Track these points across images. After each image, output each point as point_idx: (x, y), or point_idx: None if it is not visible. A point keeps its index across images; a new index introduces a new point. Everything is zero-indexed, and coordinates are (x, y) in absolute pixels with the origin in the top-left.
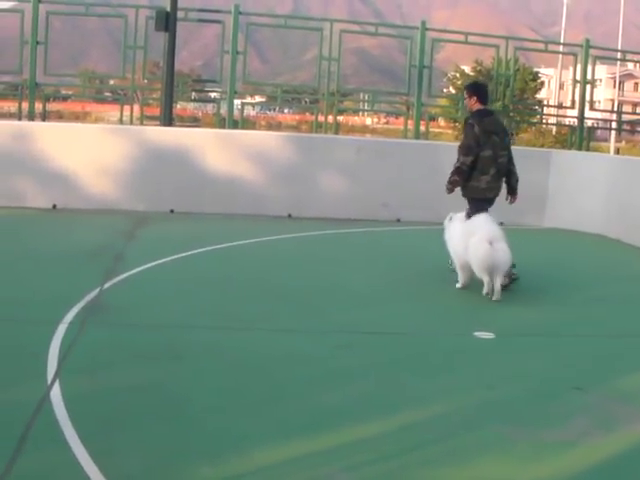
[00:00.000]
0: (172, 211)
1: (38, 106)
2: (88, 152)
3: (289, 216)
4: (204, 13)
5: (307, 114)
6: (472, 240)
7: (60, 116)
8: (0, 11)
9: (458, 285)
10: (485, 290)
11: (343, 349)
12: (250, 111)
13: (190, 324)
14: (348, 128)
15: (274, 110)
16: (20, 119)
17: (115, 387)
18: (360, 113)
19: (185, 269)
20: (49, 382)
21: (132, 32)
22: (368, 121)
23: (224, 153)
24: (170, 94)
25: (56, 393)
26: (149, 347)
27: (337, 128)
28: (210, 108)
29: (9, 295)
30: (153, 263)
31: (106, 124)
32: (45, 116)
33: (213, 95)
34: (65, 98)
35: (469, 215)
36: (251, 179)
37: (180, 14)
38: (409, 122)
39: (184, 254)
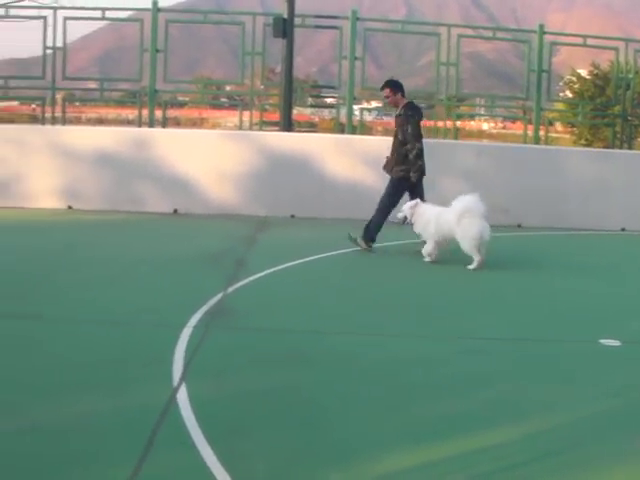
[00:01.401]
0: (292, 216)
1: (157, 113)
2: (208, 158)
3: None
4: (321, 19)
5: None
6: (465, 219)
7: (177, 122)
8: (120, 20)
9: (427, 260)
10: (475, 265)
11: (468, 354)
12: (366, 116)
13: (314, 329)
14: (465, 133)
15: (390, 115)
16: (140, 126)
17: (241, 391)
18: (476, 118)
19: (307, 274)
20: (175, 385)
21: (248, 39)
22: (485, 126)
23: (343, 158)
24: (289, 100)
25: (182, 396)
26: (273, 352)
27: (456, 133)
28: (327, 113)
29: (134, 299)
30: (275, 268)
31: (224, 130)
32: (165, 123)
33: (329, 101)
34: (182, 105)
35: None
36: (371, 184)
37: (297, 20)
38: (528, 127)
39: (305, 259)
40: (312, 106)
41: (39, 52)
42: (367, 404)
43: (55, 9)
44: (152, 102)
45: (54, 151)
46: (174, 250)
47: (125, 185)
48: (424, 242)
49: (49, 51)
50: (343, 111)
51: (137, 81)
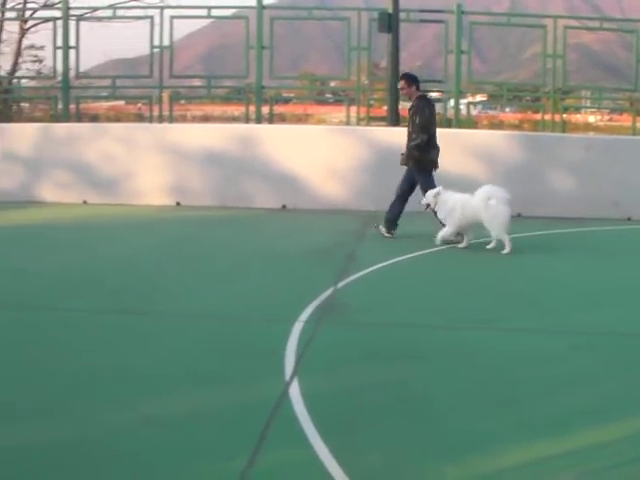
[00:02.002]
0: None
1: (263, 109)
2: (315, 153)
3: (518, 215)
4: (425, 13)
5: (529, 112)
6: (492, 204)
7: (282, 118)
8: (225, 18)
9: (462, 245)
10: (508, 249)
11: (580, 349)
12: (472, 110)
13: (425, 323)
14: (571, 126)
15: (495, 109)
16: (247, 122)
17: (354, 385)
18: (582, 111)
19: (416, 268)
20: (287, 379)
21: (353, 34)
22: (591, 119)
23: (451, 152)
24: (395, 95)
25: (295, 390)
26: (384, 346)
27: (564, 126)
28: None
29: (245, 294)
30: (384, 263)
31: (329, 125)
32: (271, 119)
33: (433, 95)
34: (287, 101)
35: (423, 185)
36: (479, 178)
37: (401, 15)
38: (637, 118)
39: (415, 254)
40: None
41: (144, 51)
42: (479, 398)
43: (162, 8)
44: (259, 99)
45: (162, 149)
46: (284, 245)
47: (233, 181)
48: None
49: (156, 50)
50: (448, 105)
51: (243, 78)
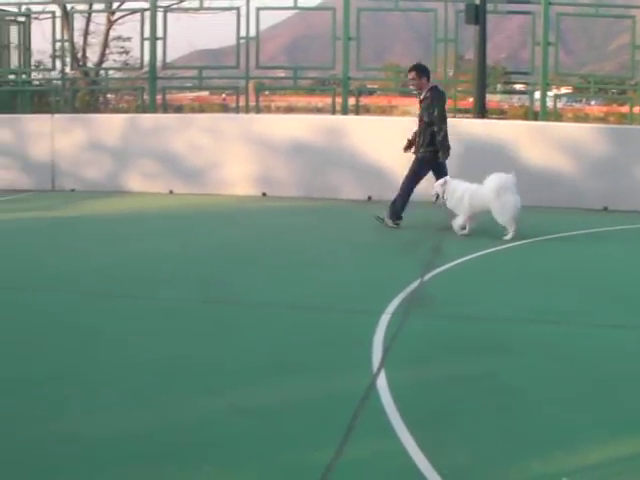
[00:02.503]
0: None
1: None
2: (400, 144)
3: (605, 209)
4: (512, 4)
5: (614, 105)
6: (503, 194)
7: (367, 110)
8: (311, 9)
9: (463, 232)
10: (511, 235)
11: None
12: (557, 103)
13: (511, 317)
14: None
15: (580, 102)
16: (333, 113)
17: (440, 377)
18: None
19: (503, 261)
20: (375, 371)
21: (439, 26)
22: None
23: (538, 145)
24: (482, 86)
25: (382, 382)
26: (472, 339)
27: None
28: (516, 100)
29: (331, 285)
30: (471, 255)
31: (415, 117)
32: (357, 110)
33: (518, 87)
34: (371, 92)
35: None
36: (566, 171)
37: (489, 6)
38: None
39: (501, 247)
40: (504, 92)
41: (228, 42)
42: (564, 393)
43: (248, 0)
44: (345, 90)
45: (248, 139)
46: (369, 237)
47: (319, 172)
48: None
49: (241, 41)
50: (534, 97)
51: (330, 69)
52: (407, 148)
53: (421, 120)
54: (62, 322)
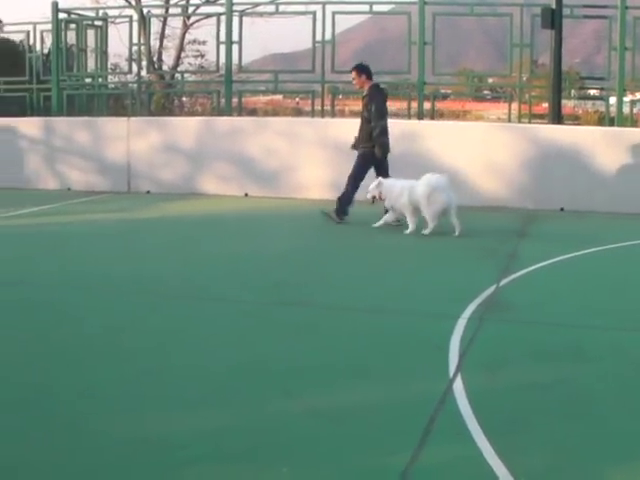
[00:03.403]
0: (562, 209)
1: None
2: (476, 150)
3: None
4: (588, 9)
5: None
6: (434, 192)
7: (440, 114)
8: (387, 14)
9: (408, 231)
10: (429, 230)
11: None
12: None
13: (589, 324)
14: None
15: None
16: (409, 118)
17: (517, 384)
18: None
19: (579, 268)
20: (451, 376)
21: (511, 30)
22: None
23: (614, 151)
24: (558, 92)
25: (458, 387)
26: (548, 345)
27: None
28: (590, 105)
29: (407, 289)
30: (547, 261)
31: (488, 122)
32: (433, 115)
33: (592, 92)
34: (444, 97)
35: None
36: None
37: (565, 11)
38: None
39: (577, 253)
40: (580, 98)
41: (301, 46)
42: None
43: (324, 4)
44: (421, 94)
45: (323, 143)
46: (444, 241)
47: (394, 176)
48: None
49: (316, 45)
50: (609, 103)
51: (406, 74)
52: (354, 146)
53: (362, 117)
54: (142, 323)
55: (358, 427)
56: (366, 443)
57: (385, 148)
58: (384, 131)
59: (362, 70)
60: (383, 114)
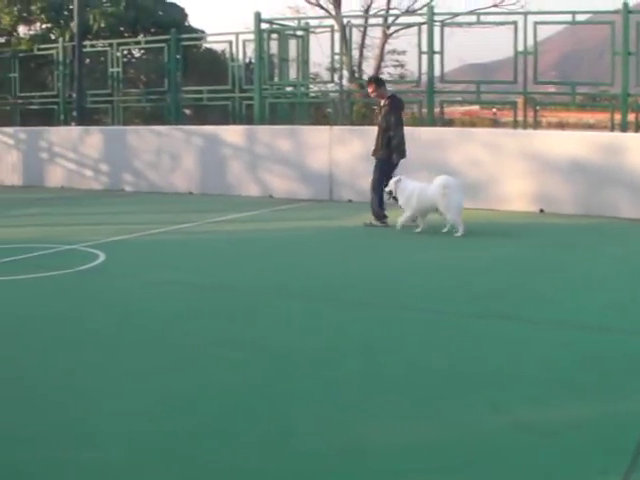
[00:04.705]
0: None
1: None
2: None
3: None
4: None
5: None
6: (447, 193)
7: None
8: (590, 23)
9: (418, 230)
10: (460, 232)
11: None
12: None
13: None
14: None
15: None
16: (612, 130)
17: None
18: None
19: None
20: None
21: None
22: None
23: None
24: None
25: None
26: None
27: None
28: None
29: (619, 305)
30: None
31: None
32: (638, 127)
33: None
34: None
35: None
36: None
37: None
38: None
39: None
40: None
41: (498, 57)
42: None
43: (525, 14)
44: (625, 106)
45: (526, 155)
46: None
47: (597, 190)
48: None
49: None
50: None
51: (609, 85)
52: (373, 153)
53: (380, 126)
54: (347, 329)
55: (569, 444)
56: (577, 460)
57: (402, 155)
58: (402, 140)
59: (380, 83)
60: (401, 123)
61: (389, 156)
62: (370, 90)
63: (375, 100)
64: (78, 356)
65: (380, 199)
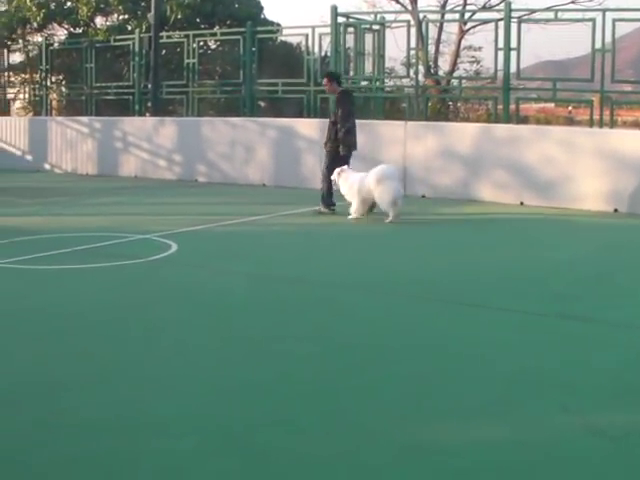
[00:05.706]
0: None
1: None
2: None
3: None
4: None
5: None
6: (385, 183)
7: None
8: None
9: (352, 217)
10: (391, 219)
11: None
12: None
13: None
14: None
15: None
16: None
17: None
18: None
19: None
20: None
21: None
22: None
23: None
24: None
25: None
26: None
27: None
28: None
29: None
30: None
31: None
32: None
33: None
34: None
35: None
36: None
37: None
38: None
39: None
40: None
41: (574, 54)
42: None
43: (604, 11)
44: None
45: (602, 154)
46: None
47: None
48: None
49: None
50: None
51: None
52: (324, 144)
53: (330, 120)
54: (421, 326)
55: (637, 449)
56: None
57: (350, 146)
58: (349, 131)
59: (333, 77)
60: (349, 116)
61: (337, 148)
62: (324, 83)
63: (450, 97)
64: (149, 346)
65: (330, 188)
